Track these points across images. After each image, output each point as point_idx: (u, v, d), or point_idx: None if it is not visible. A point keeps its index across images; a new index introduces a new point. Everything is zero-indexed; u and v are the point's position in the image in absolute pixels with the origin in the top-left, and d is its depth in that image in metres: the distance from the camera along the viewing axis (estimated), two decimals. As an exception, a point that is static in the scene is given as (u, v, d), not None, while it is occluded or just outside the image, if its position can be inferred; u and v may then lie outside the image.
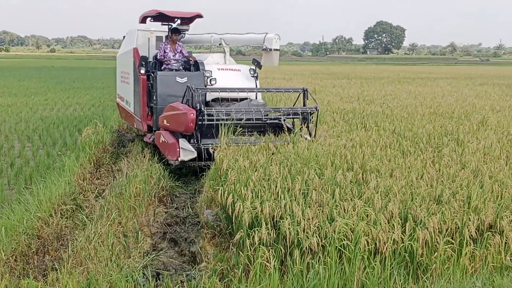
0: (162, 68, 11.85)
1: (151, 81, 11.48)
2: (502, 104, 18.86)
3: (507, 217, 6.32)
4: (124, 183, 8.57)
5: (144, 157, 10.68)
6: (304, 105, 10.58)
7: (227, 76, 11.81)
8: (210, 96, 11.41)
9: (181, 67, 12.08)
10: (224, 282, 5.45)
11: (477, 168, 8.49)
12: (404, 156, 9.02)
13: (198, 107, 9.41)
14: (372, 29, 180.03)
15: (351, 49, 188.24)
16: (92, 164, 10.62)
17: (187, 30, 13.36)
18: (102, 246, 6.26)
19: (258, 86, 12.21)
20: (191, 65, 11.95)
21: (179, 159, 9.35)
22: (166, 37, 12.85)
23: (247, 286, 5.17)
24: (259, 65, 11.99)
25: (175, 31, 12.21)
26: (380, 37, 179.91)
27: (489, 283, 5.00)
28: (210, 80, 11.38)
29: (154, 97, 11.18)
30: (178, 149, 9.36)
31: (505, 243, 5.94)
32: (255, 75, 12.18)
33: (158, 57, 12.01)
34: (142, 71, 11.48)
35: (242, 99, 11.45)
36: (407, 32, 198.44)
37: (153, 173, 9.14)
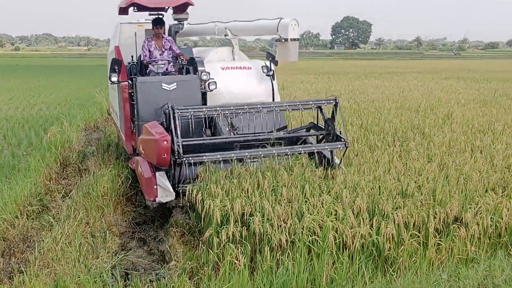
0: (148, 71, 9.56)
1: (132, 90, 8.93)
2: (467, 97, 19.18)
3: (471, 210, 6.44)
4: (92, 182, 8.49)
5: (111, 156, 10.57)
6: (333, 118, 7.94)
7: (233, 76, 9.40)
8: (211, 103, 8.93)
9: (171, 69, 9.74)
10: (194, 281, 5.44)
11: (442, 161, 8.62)
12: (372, 151, 9.12)
13: (174, 135, 7.06)
14: (339, 24, 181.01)
15: (319, 44, 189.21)
16: (59, 164, 10.47)
17: (186, 19, 11.07)
18: (69, 247, 6.19)
19: (275, 88, 9.68)
20: (184, 66, 9.58)
21: (157, 199, 7.18)
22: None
23: (216, 284, 5.16)
24: (274, 61, 9.37)
25: (157, 23, 9.66)
26: (347, 32, 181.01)
27: (455, 275, 5.08)
28: (209, 85, 8.85)
29: (135, 110, 8.69)
30: (155, 187, 7.19)
31: (471, 235, 6.05)
32: (271, 73, 9.57)
33: (142, 59, 9.69)
34: (114, 79, 8.72)
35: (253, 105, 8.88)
36: (374, 27, 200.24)
37: (120, 172, 9.06)
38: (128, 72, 9.54)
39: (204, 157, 7.13)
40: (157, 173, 7.28)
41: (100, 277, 5.53)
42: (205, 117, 8.00)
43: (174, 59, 9.84)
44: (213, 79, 8.85)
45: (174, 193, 7.18)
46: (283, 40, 8.75)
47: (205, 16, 12.15)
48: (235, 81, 9.31)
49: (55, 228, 6.79)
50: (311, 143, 8.45)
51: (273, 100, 9.47)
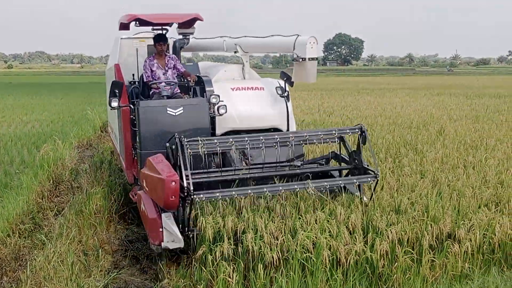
0: (151, 93, 8.65)
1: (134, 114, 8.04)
2: (459, 113, 19.29)
3: (465, 226, 6.44)
4: (84, 200, 8.46)
5: (104, 173, 10.54)
6: (359, 149, 7.26)
7: (245, 98, 8.57)
8: (221, 129, 8.34)
9: (177, 91, 8.78)
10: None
11: (435, 178, 8.65)
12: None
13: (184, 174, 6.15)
14: (332, 41, 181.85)
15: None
16: (51, 181, 10.42)
17: (192, 33, 10.22)
18: (61, 265, 6.14)
19: (290, 110, 8.80)
20: (190, 87, 8.67)
21: (162, 244, 6.23)
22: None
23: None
24: (289, 81, 8.58)
25: (159, 39, 8.78)
26: (339, 49, 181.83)
27: (449, 291, 5.08)
28: (218, 109, 8.01)
29: (137, 137, 7.88)
30: (160, 230, 6.29)
31: (464, 251, 6.05)
32: (285, 94, 8.71)
33: (145, 80, 8.83)
34: (114, 104, 7.78)
35: (265, 130, 8.38)
36: (366, 43, 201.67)
37: (113, 190, 9.03)
38: (130, 94, 8.73)
39: (218, 194, 6.37)
40: (163, 215, 6.37)
41: (92, 296, 5.48)
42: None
43: (179, 78, 9.05)
44: (223, 101, 8.06)
45: (182, 240, 6.19)
46: (301, 60, 7.92)
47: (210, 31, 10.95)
48: (247, 103, 8.51)
49: (47, 246, 6.74)
50: (333, 177, 7.59)
51: (288, 124, 8.71)
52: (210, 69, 9.68)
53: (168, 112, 7.70)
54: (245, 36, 9.47)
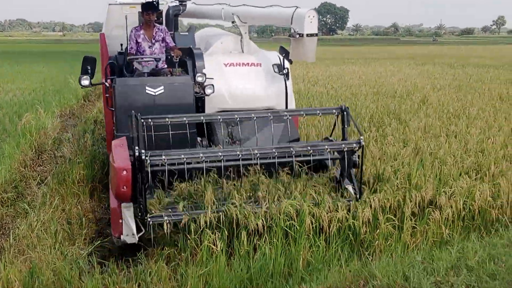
0: (134, 69, 7.75)
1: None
2: (442, 83, 19.37)
3: (446, 193, 6.53)
4: (67, 169, 8.41)
5: (87, 142, 10.48)
6: (344, 133, 6.63)
7: (238, 75, 7.88)
8: (210, 110, 7.65)
9: (163, 66, 8.00)
10: (171, 266, 5.43)
11: (418, 146, 8.72)
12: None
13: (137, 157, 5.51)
14: (317, 10, 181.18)
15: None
16: (34, 150, 10.34)
17: None
18: (45, 234, 6.14)
19: (290, 90, 8.11)
20: (177, 62, 7.65)
21: (122, 238, 5.68)
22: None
23: (194, 269, 5.17)
24: (288, 57, 7.68)
25: (147, 8, 7.88)
26: (324, 18, 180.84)
27: (429, 257, 5.16)
28: (205, 88, 7.31)
29: (113, 118, 7.27)
30: (120, 221, 5.75)
31: (445, 218, 6.14)
32: (284, 71, 7.97)
33: (128, 52, 8.04)
34: (84, 83, 7.05)
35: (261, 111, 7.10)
36: (351, 13, 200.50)
37: (96, 159, 8.99)
38: (112, 70, 7.92)
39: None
40: (122, 205, 5.72)
41: (76, 264, 5.49)
42: (200, 123, 6.70)
43: (168, 52, 8.19)
44: (212, 78, 7.39)
45: (136, 237, 5.64)
46: (298, 36, 7.05)
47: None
48: (240, 81, 7.82)
49: (30, 215, 6.72)
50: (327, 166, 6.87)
51: (286, 105, 8.04)
52: (209, 39, 8.98)
53: (147, 91, 6.90)
54: (244, 5, 8.66)
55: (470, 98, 14.64)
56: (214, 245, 5.37)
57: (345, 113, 6.58)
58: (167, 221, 5.57)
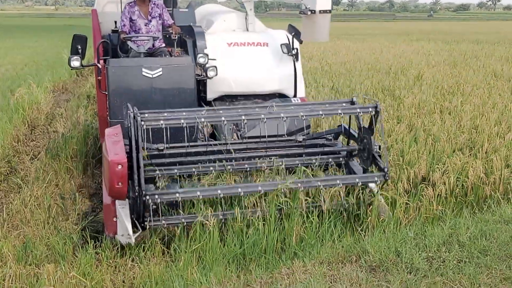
0: (129, 49, 7.10)
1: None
2: (437, 59, 19.31)
3: (439, 170, 6.55)
4: (60, 144, 8.38)
5: (80, 117, 10.44)
6: (371, 129, 5.77)
7: (242, 56, 7.27)
8: (212, 93, 7.16)
9: (160, 44, 7.52)
10: (165, 241, 5.44)
11: (411, 123, 8.73)
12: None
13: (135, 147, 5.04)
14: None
15: (291, 6, 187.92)
16: (27, 125, 10.30)
17: None
18: (38, 209, 6.15)
19: (299, 72, 7.47)
20: (175, 41, 7.23)
21: (116, 237, 5.28)
22: None
23: (187, 244, 5.19)
24: (298, 37, 7.14)
25: None
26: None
27: (421, 232, 5.19)
28: (207, 71, 6.76)
29: (107, 103, 6.61)
30: (114, 219, 5.29)
31: (438, 194, 6.17)
32: (294, 52, 7.31)
33: (121, 31, 7.36)
34: (75, 64, 6.53)
35: (268, 95, 7.23)
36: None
37: (90, 134, 8.96)
38: (105, 49, 7.27)
39: (177, 195, 5.24)
40: (117, 202, 5.27)
41: (69, 238, 5.50)
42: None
43: (165, 30, 7.63)
44: (215, 59, 6.88)
45: (133, 238, 5.19)
46: (309, 12, 6.46)
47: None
48: (245, 63, 7.23)
49: (23, 190, 6.71)
50: (339, 155, 6.33)
51: (295, 89, 7.40)
52: (210, 16, 8.33)
53: (143, 73, 6.34)
54: None
55: (465, 75, 14.61)
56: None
57: (378, 112, 5.74)
58: (163, 201, 5.25)
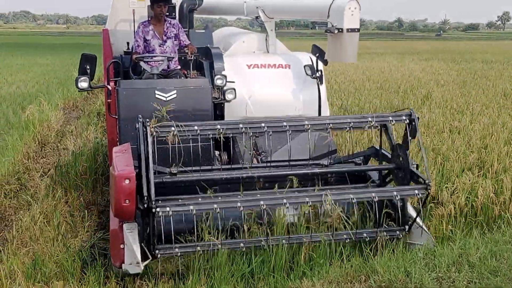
0: (142, 70, 6.60)
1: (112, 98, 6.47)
2: (446, 78, 19.32)
3: (448, 189, 6.53)
4: (70, 161, 8.43)
5: (90, 135, 10.50)
6: (406, 143, 5.36)
7: (263, 79, 6.90)
8: (230, 117, 6.69)
9: (175, 66, 7.03)
10: (173, 261, 5.43)
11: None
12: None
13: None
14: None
15: (300, 25, 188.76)
16: (37, 142, 10.37)
17: None
18: (47, 226, 6.17)
19: (324, 96, 7.05)
20: (192, 61, 6.82)
21: (123, 267, 4.73)
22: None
23: (196, 262, 5.17)
24: (322, 58, 6.68)
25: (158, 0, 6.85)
26: None
27: (430, 252, 5.15)
28: (225, 93, 6.36)
29: (117, 127, 6.17)
30: (121, 246, 4.76)
31: (448, 214, 6.14)
32: (318, 74, 6.87)
33: (133, 51, 7.03)
34: (82, 85, 6.12)
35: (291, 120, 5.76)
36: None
37: (99, 151, 9.01)
38: (116, 71, 6.94)
39: (191, 208, 4.76)
40: (124, 226, 4.77)
41: (78, 255, 5.51)
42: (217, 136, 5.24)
43: (181, 51, 7.17)
44: (233, 82, 6.49)
45: (141, 265, 4.69)
46: (336, 31, 6.08)
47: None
48: (266, 86, 6.85)
49: (33, 207, 6.74)
50: (372, 181, 5.80)
51: (319, 114, 6.99)
52: (228, 38, 8.02)
53: (157, 96, 5.87)
54: None
55: (474, 94, 14.61)
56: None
57: (414, 121, 5.28)
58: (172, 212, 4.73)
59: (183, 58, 7.15)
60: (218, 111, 6.71)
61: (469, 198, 6.43)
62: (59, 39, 72.93)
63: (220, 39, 8.29)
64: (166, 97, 5.91)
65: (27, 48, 44.44)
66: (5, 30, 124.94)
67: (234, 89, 6.40)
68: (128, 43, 7.87)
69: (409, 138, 5.32)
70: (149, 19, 7.16)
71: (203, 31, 8.45)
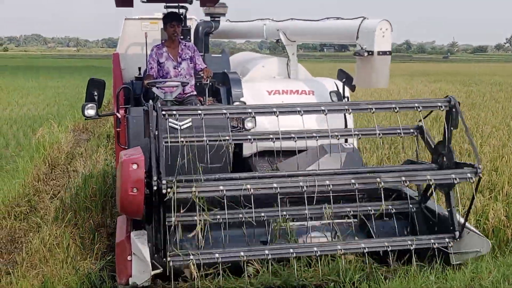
0: (155, 96, 6.18)
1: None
2: (455, 100, 19.27)
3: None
4: (80, 183, 8.46)
5: (100, 157, 10.54)
6: (449, 136, 5.06)
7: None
8: (248, 149, 6.24)
9: (191, 91, 6.75)
10: None
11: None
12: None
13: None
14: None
15: (308, 47, 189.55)
16: (47, 164, 10.42)
17: (224, 14, 7.91)
18: (57, 248, 6.16)
19: (350, 124, 6.66)
20: (208, 87, 6.57)
21: (130, 280, 4.32)
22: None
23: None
24: (349, 83, 6.40)
25: (171, 19, 6.68)
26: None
27: (442, 276, 5.10)
28: (244, 122, 5.97)
29: None
30: (128, 258, 4.35)
31: (459, 237, 6.08)
32: (344, 101, 6.60)
33: (148, 74, 6.74)
34: (90, 112, 5.86)
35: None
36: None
37: (109, 173, 9.03)
38: (126, 97, 6.71)
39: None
40: (132, 234, 4.41)
41: (88, 278, 5.49)
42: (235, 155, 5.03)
43: (197, 75, 6.89)
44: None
45: (150, 270, 4.25)
46: (366, 54, 5.74)
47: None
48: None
49: (43, 229, 6.74)
50: (408, 197, 5.43)
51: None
52: (246, 64, 7.66)
53: (170, 124, 5.36)
54: (291, 19, 7.24)
55: (484, 116, 14.57)
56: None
57: (455, 108, 4.91)
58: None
59: (198, 84, 6.89)
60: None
61: (480, 221, 6.38)
62: (69, 62, 73.60)
63: (236, 65, 7.96)
64: (180, 126, 5.48)
65: (38, 71, 44.87)
66: (17, 53, 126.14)
67: (254, 117, 5.56)
68: (139, 68, 7.64)
69: (450, 128, 4.95)
70: (163, 41, 6.97)
71: (220, 55, 8.06)
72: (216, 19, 8.09)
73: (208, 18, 8.23)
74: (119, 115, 6.19)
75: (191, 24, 8.00)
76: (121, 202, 4.21)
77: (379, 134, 5.13)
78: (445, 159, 5.07)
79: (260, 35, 7.89)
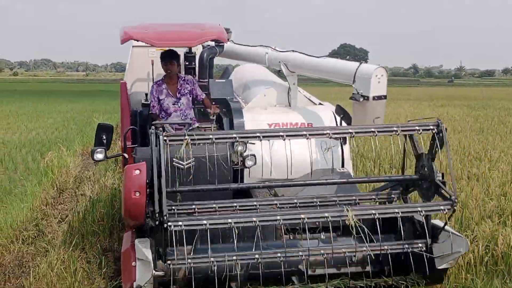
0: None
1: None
2: (463, 125, 19.28)
3: (467, 237, 6.44)
4: (88, 207, 8.47)
5: (108, 181, 10.57)
6: (433, 153, 5.43)
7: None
8: (250, 178, 6.48)
9: (194, 124, 6.89)
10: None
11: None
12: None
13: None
14: (336, 52, 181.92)
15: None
16: (55, 188, 10.45)
17: (228, 39, 7.90)
18: (64, 272, 6.16)
19: (347, 156, 6.91)
20: (213, 120, 6.66)
21: (134, 284, 4.53)
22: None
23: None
24: (347, 120, 6.49)
25: (167, 57, 6.87)
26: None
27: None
28: (245, 160, 5.94)
29: None
30: (133, 263, 4.56)
31: (467, 263, 6.05)
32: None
33: (149, 111, 6.99)
34: (98, 156, 6.00)
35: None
36: (370, 54, 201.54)
37: (117, 197, 9.05)
38: (133, 136, 6.85)
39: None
40: (136, 241, 4.66)
41: (95, 303, 5.49)
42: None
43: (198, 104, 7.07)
44: (253, 143, 5.87)
45: (152, 269, 4.46)
46: (361, 99, 5.87)
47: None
48: (287, 147, 6.08)
49: (50, 253, 6.75)
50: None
51: (342, 160, 6.83)
52: (250, 84, 7.80)
53: (174, 163, 5.44)
54: (292, 51, 7.38)
55: (492, 140, 14.54)
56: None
57: (441, 132, 5.21)
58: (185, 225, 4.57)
59: (201, 110, 7.06)
60: (237, 174, 6.41)
61: (489, 246, 6.33)
62: (78, 86, 74.29)
63: (240, 80, 8.12)
64: (184, 165, 5.54)
65: (47, 95, 45.24)
66: (27, 78, 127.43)
67: (255, 156, 5.98)
68: (146, 94, 7.75)
69: (436, 148, 5.24)
70: (163, 78, 7.09)
71: (223, 80, 7.98)
72: (220, 44, 8.20)
73: (212, 43, 8.34)
74: (126, 156, 6.32)
75: (196, 50, 8.17)
76: (124, 205, 4.50)
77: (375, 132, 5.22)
78: (427, 170, 5.33)
79: (262, 62, 7.96)
